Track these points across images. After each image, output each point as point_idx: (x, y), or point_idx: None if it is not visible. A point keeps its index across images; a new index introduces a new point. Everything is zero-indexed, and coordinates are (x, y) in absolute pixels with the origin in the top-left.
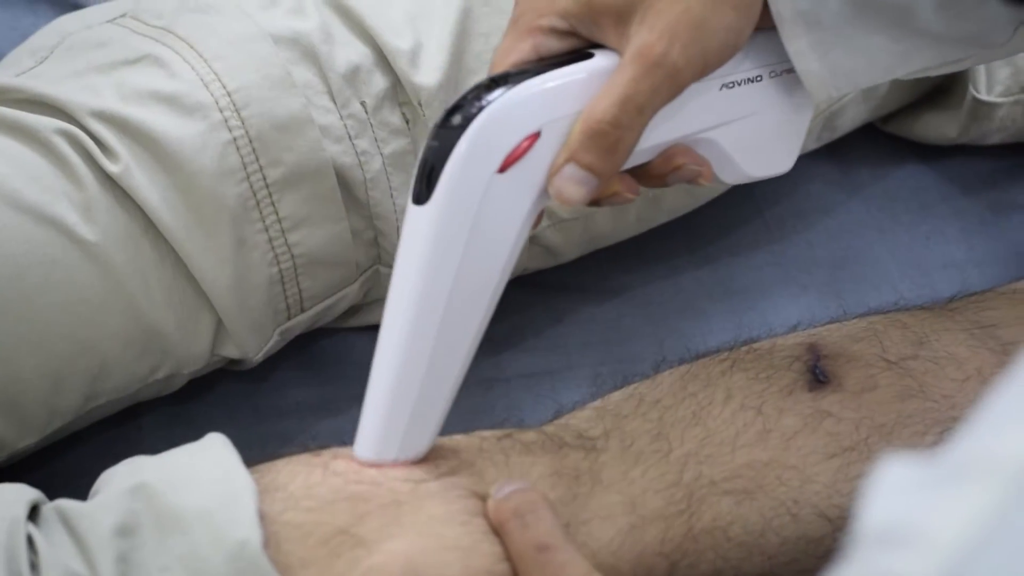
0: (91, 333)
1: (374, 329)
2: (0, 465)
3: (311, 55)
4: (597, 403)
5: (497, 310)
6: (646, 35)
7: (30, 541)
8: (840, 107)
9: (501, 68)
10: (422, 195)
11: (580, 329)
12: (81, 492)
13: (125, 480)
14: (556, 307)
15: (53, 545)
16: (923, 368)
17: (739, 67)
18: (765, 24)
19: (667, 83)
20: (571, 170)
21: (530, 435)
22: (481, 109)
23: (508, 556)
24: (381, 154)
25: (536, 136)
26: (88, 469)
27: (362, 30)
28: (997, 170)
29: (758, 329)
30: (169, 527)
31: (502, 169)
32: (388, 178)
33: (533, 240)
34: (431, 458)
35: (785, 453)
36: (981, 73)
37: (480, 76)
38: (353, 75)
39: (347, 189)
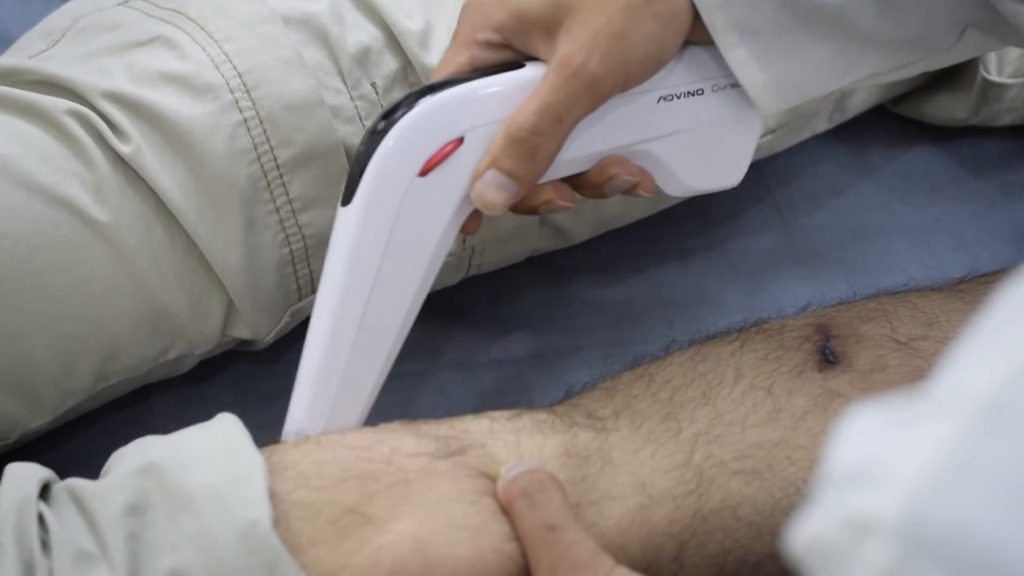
0: (102, 314)
1: None
2: (12, 445)
3: (322, 36)
4: (607, 383)
5: (508, 291)
6: (568, 46)
7: (41, 519)
8: (851, 88)
9: (438, 79)
10: (347, 196)
11: (590, 310)
12: (92, 472)
13: (135, 459)
14: (566, 288)
15: (64, 523)
16: (933, 349)
17: (678, 80)
18: (707, 39)
19: (586, 92)
20: (492, 175)
21: (540, 415)
22: (405, 114)
23: (516, 536)
24: None
25: (459, 142)
26: (99, 450)
27: (372, 11)
28: (1007, 151)
29: (768, 310)
30: (179, 506)
31: (423, 173)
32: None
33: (544, 222)
34: (441, 438)
35: (794, 433)
36: (992, 54)
37: None
38: (364, 56)
39: None
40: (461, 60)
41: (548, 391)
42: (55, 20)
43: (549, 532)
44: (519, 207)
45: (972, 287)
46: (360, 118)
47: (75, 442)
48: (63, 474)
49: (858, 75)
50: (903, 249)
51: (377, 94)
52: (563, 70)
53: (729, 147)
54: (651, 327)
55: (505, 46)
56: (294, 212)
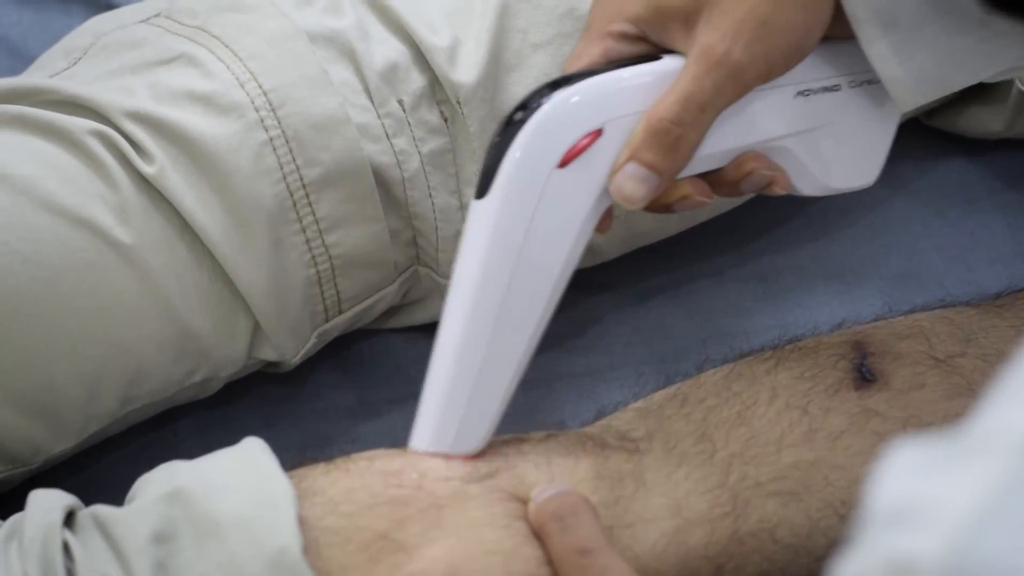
0: (127, 336)
1: (413, 330)
2: (36, 471)
3: (348, 53)
4: (640, 403)
5: None
6: (710, 35)
7: (66, 548)
8: (992, 81)
9: (572, 71)
10: (482, 189)
11: (622, 328)
12: (117, 498)
13: (161, 486)
14: (598, 307)
15: (89, 551)
16: (971, 366)
17: (815, 75)
18: (844, 33)
19: (729, 82)
20: (632, 168)
21: (572, 436)
22: (542, 104)
23: (549, 560)
24: (419, 153)
25: (598, 133)
26: (124, 474)
27: (399, 27)
28: None
29: (803, 327)
30: (206, 534)
31: (562, 164)
32: (426, 177)
33: None
34: (472, 460)
35: (832, 453)
36: None
37: (518, 73)
38: (390, 73)
39: (385, 189)
40: (595, 52)
41: (580, 411)
42: (76, 38)
43: (582, 556)
44: (655, 204)
45: (1010, 302)
46: (387, 136)
47: (100, 467)
48: (87, 500)
49: (998, 68)
50: (939, 264)
51: (404, 111)
52: (706, 59)
53: (865, 145)
54: (684, 346)
55: (640, 38)
56: (321, 232)
